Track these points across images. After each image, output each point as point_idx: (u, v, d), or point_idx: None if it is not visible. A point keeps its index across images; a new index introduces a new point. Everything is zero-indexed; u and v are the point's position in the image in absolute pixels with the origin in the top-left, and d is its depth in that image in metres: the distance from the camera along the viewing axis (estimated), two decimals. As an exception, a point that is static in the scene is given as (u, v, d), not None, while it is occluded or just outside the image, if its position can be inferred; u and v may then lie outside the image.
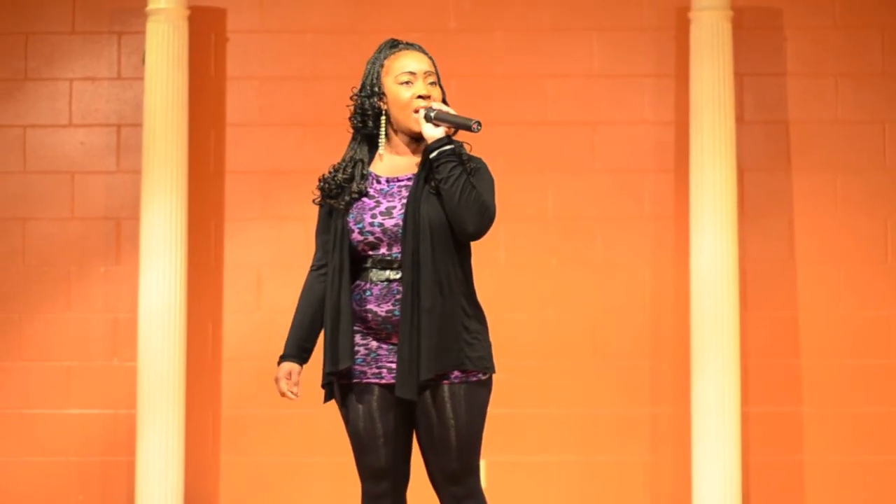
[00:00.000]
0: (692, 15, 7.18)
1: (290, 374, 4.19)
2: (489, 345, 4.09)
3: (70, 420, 7.34)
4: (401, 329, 3.97)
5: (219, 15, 7.46)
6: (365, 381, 4.06)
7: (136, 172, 7.31)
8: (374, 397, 4.05)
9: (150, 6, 7.24)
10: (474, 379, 4.03)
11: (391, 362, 4.04)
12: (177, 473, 7.07)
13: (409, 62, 4.11)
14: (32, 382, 7.37)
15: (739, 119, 7.28)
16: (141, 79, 7.32)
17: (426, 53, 4.16)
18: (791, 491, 7.24)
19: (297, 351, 4.20)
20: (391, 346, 4.04)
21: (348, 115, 4.20)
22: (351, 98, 4.19)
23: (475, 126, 3.99)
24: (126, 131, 7.43)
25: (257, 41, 7.45)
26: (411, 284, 3.97)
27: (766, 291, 7.29)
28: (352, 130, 4.22)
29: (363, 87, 4.15)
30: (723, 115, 7.09)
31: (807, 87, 7.36)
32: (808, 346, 7.27)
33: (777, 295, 7.29)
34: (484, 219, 4.01)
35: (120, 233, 7.40)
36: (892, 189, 7.32)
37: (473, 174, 4.04)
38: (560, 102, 7.35)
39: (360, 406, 4.06)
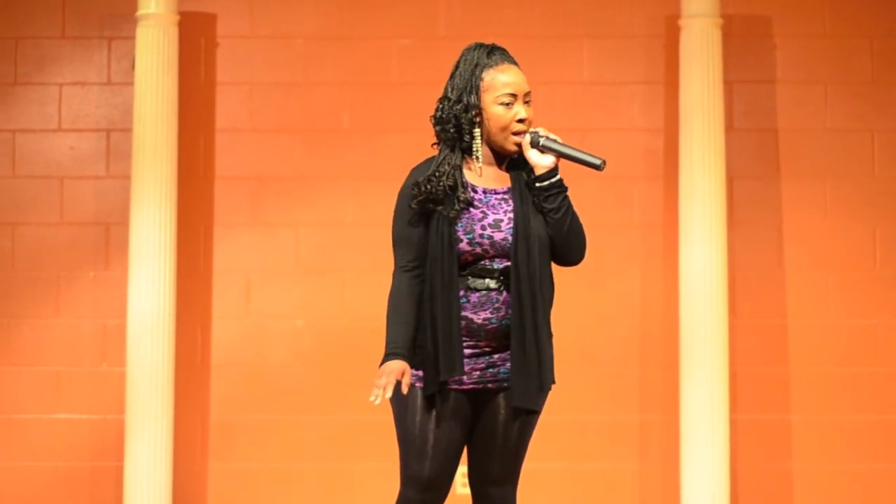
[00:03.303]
0: (682, 22, 7.19)
1: (403, 372, 3.98)
2: None
3: (59, 425, 7.33)
4: (516, 341, 3.99)
5: (209, 20, 7.46)
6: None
7: (126, 178, 7.31)
8: (447, 404, 4.03)
9: (140, 11, 7.23)
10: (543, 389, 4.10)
11: (474, 369, 4.03)
12: (165, 479, 7.06)
13: (510, 81, 4.07)
14: (21, 387, 7.36)
15: (729, 126, 7.29)
16: (131, 84, 7.32)
17: (517, 64, 4.13)
18: (779, 498, 7.24)
19: (407, 352, 4.02)
20: (475, 353, 4.03)
21: (434, 118, 4.10)
22: (440, 102, 4.10)
23: (602, 164, 3.99)
24: (115, 136, 7.43)
25: (247, 47, 7.45)
26: (529, 298, 3.99)
27: (755, 299, 7.29)
28: (441, 137, 4.12)
29: (459, 98, 4.08)
30: (712, 123, 7.10)
31: (796, 94, 7.37)
32: (796, 354, 7.28)
33: (766, 302, 7.29)
34: (584, 249, 4.09)
35: (109, 238, 7.39)
36: (881, 197, 7.33)
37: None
38: (550, 110, 7.34)
39: (424, 412, 4.03)
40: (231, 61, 7.45)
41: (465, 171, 4.11)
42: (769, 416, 7.26)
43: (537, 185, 4.03)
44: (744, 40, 7.38)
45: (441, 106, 4.11)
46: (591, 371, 7.27)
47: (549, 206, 4.03)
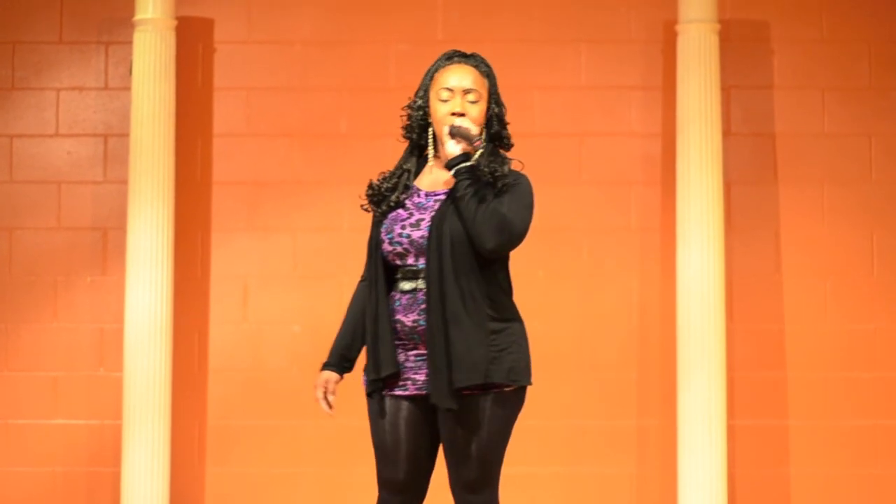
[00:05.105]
0: (679, 27, 7.19)
1: (327, 382, 4.17)
2: (524, 357, 4.07)
3: (56, 430, 7.33)
4: (428, 339, 3.98)
5: (206, 25, 7.46)
6: (390, 393, 4.07)
7: (123, 182, 7.31)
8: (402, 410, 4.06)
9: (138, 16, 7.23)
10: (497, 390, 4.02)
11: (417, 374, 4.05)
12: (162, 484, 7.06)
13: (450, 78, 4.12)
14: (18, 392, 7.36)
15: (726, 131, 7.29)
16: (128, 89, 7.32)
17: (481, 68, 4.16)
18: None
19: (338, 360, 4.19)
20: (417, 357, 4.05)
21: (401, 124, 4.23)
22: (404, 108, 4.20)
23: (474, 137, 4.00)
24: (113, 141, 7.43)
25: (245, 52, 7.45)
26: (438, 295, 3.97)
27: (753, 304, 7.29)
28: (406, 140, 4.23)
29: (415, 100, 4.18)
30: (710, 128, 7.10)
31: (794, 99, 7.37)
32: (794, 359, 7.27)
33: (763, 307, 7.29)
34: (503, 235, 3.98)
35: (106, 243, 7.39)
36: (879, 202, 7.33)
37: (508, 190, 4.02)
38: (547, 114, 7.35)
39: (387, 418, 4.07)
40: (228, 66, 7.45)
41: (423, 175, 4.16)
42: (766, 421, 7.26)
43: (450, 173, 4.05)
44: (741, 45, 7.38)
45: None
46: (589, 376, 7.26)
47: (457, 194, 4.02)
